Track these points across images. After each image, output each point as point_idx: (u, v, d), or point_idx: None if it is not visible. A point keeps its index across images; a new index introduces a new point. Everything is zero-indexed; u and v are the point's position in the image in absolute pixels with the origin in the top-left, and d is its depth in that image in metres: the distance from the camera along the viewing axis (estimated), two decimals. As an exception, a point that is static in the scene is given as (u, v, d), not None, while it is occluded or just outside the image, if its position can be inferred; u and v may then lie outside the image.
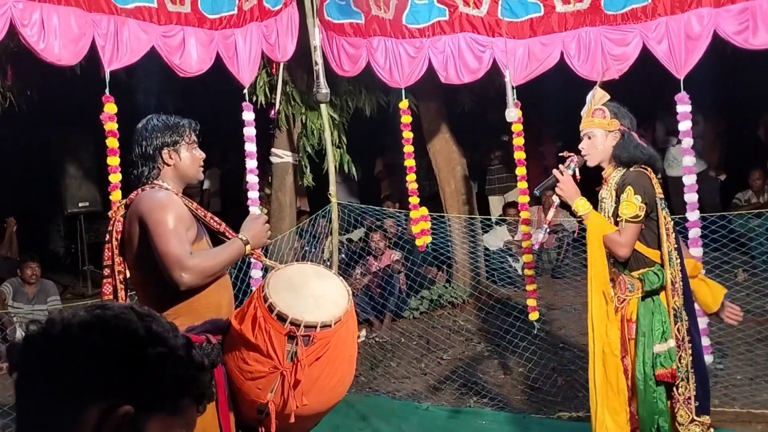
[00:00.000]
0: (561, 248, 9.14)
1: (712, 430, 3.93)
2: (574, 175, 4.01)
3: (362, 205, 8.30)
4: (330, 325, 3.03)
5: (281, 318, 3.00)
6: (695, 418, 3.86)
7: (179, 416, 1.25)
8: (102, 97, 5.23)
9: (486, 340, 7.57)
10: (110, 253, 3.34)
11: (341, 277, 3.34)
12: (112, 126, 5.25)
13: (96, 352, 1.18)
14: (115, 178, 5.27)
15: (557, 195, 3.99)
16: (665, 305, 3.88)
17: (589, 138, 3.98)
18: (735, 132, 9.75)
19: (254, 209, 5.97)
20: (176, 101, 9.14)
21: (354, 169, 8.23)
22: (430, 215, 6.95)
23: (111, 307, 1.25)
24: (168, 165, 3.35)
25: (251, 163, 6.27)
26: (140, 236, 3.18)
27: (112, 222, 3.35)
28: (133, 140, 3.40)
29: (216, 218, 3.47)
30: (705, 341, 5.52)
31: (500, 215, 9.66)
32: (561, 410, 6.10)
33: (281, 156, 8.15)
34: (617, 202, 3.86)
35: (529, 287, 6.30)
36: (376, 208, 8.63)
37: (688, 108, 5.54)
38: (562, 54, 5.89)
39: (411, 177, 6.64)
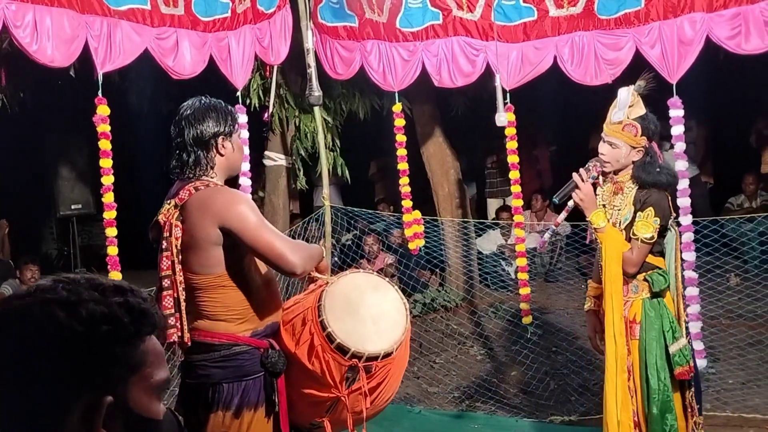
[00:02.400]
0: (554, 252, 9.14)
1: (703, 430, 3.98)
2: (593, 183, 3.97)
3: (356, 209, 8.30)
4: (391, 353, 2.93)
5: (342, 350, 2.86)
6: (697, 419, 3.94)
7: (148, 361, 1.23)
8: (95, 99, 5.21)
9: (479, 344, 7.57)
10: (170, 262, 2.99)
11: (394, 285, 3.18)
12: (104, 128, 5.23)
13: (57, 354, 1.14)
14: (108, 180, 5.25)
15: (575, 201, 3.92)
16: (670, 307, 3.91)
17: (612, 147, 3.89)
18: (725, 137, 9.77)
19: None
20: (169, 104, 9.13)
21: (347, 172, 8.23)
22: (423, 218, 6.96)
23: (33, 303, 1.18)
24: (222, 155, 3.10)
25: (244, 166, 6.26)
26: (213, 239, 2.95)
27: (167, 227, 3.00)
28: (176, 124, 3.10)
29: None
30: (698, 345, 5.53)
31: (494, 219, 9.66)
32: (553, 414, 6.11)
33: (274, 159, 8.14)
34: (634, 216, 3.84)
35: (522, 291, 6.30)
36: (370, 211, 8.63)
37: (681, 113, 5.55)
38: (555, 58, 5.90)
39: (404, 180, 6.64)
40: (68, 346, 1.15)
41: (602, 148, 3.93)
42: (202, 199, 2.99)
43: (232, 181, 4.54)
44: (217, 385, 3.04)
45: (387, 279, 3.21)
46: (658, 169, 3.85)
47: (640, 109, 3.88)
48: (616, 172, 3.95)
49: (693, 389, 3.94)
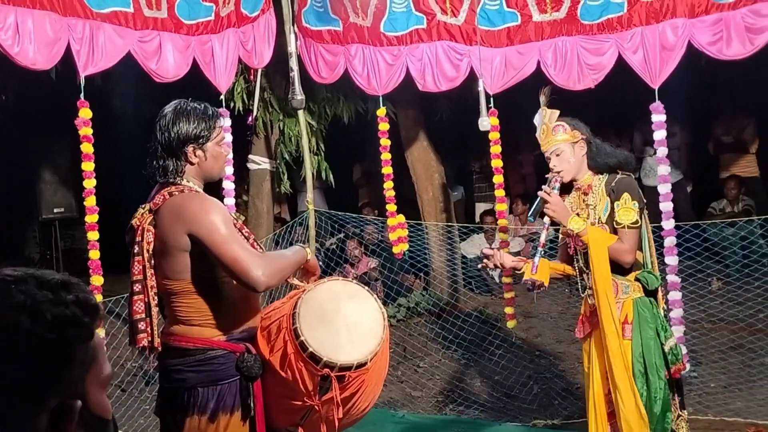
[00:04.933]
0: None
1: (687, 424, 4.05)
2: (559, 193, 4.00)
3: (340, 213, 8.29)
4: (365, 364, 2.86)
5: (314, 359, 2.80)
6: (680, 413, 3.99)
7: (98, 356, 1.22)
8: (77, 102, 5.18)
9: (463, 348, 7.57)
10: (141, 267, 2.96)
11: (373, 294, 3.10)
12: (86, 131, 5.20)
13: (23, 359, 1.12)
14: (90, 183, 5.23)
15: (548, 216, 3.94)
16: (658, 306, 3.96)
17: (558, 155, 3.98)
18: (704, 143, 9.85)
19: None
20: (153, 107, 9.09)
21: (331, 176, 8.22)
22: (408, 223, 6.96)
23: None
24: (191, 163, 3.02)
25: (228, 170, 6.24)
26: (182, 246, 2.91)
27: (139, 232, 2.97)
28: (154, 127, 3.02)
29: (245, 228, 3.19)
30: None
31: (478, 223, 9.68)
32: (537, 418, 6.12)
33: (258, 163, 8.13)
34: (612, 207, 3.88)
35: (507, 295, 6.31)
36: (353, 215, 8.63)
37: (663, 117, 5.58)
38: (538, 63, 5.92)
39: (388, 184, 6.64)
40: (35, 352, 1.12)
41: (551, 163, 4.01)
42: (175, 205, 2.95)
43: (216, 185, 4.50)
44: (192, 390, 3.01)
45: (366, 288, 3.12)
46: (605, 151, 3.96)
47: (555, 113, 4.04)
48: (575, 179, 4.01)
49: (679, 387, 4.01)
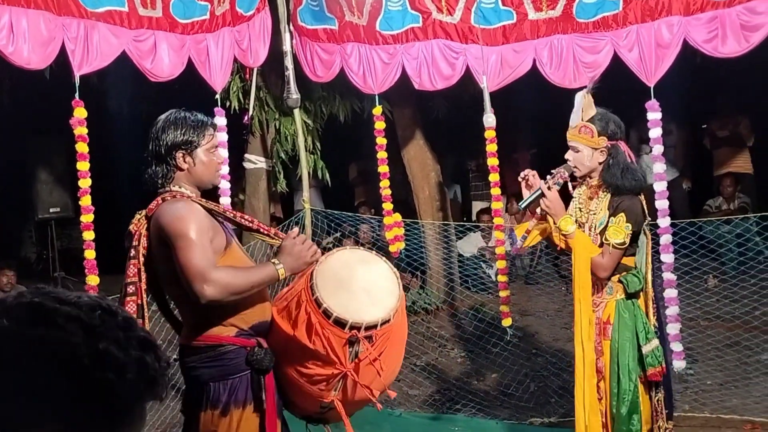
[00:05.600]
0: (534, 254, 9.18)
1: None
2: (560, 190, 3.98)
3: (336, 211, 8.29)
4: (389, 320, 2.96)
5: (340, 323, 2.88)
6: (666, 425, 3.97)
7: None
8: (72, 102, 5.17)
9: (459, 347, 7.58)
10: (136, 270, 3.08)
11: (382, 257, 3.21)
12: (81, 131, 5.18)
13: (35, 384, 1.08)
14: (85, 183, 5.21)
15: (542, 209, 3.95)
16: (642, 308, 3.95)
17: (575, 151, 3.93)
18: (701, 140, 9.87)
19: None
20: (148, 106, 9.08)
21: (328, 175, 8.21)
22: (404, 221, 6.96)
23: (52, 320, 1.11)
24: (181, 169, 3.11)
25: (224, 169, 6.23)
26: (166, 253, 3.00)
27: (137, 236, 3.09)
28: (148, 136, 3.15)
29: (247, 216, 3.32)
30: (677, 347, 5.56)
31: (474, 221, 9.69)
32: (533, 416, 6.12)
33: (254, 162, 8.12)
34: (608, 221, 3.86)
35: (503, 293, 6.30)
36: (350, 214, 8.62)
37: (659, 115, 5.58)
38: (534, 61, 5.92)
39: (385, 183, 6.64)
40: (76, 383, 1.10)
41: (568, 154, 3.98)
42: (161, 211, 3.03)
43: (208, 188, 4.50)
44: (205, 385, 3.11)
45: (373, 251, 3.25)
46: (622, 172, 3.86)
47: (592, 110, 3.93)
48: (589, 176, 3.97)
49: (663, 393, 3.98)
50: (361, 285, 3.05)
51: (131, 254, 3.08)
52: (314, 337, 2.92)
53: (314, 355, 2.95)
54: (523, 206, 4.17)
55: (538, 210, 3.98)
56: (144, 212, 3.12)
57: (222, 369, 3.08)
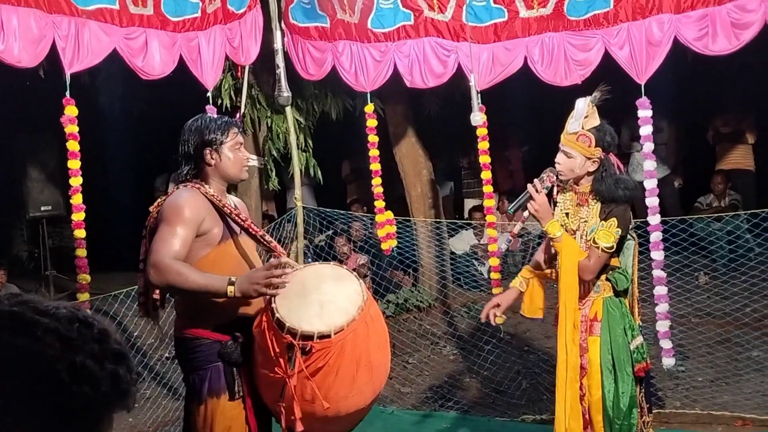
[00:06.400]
0: (527, 252, 9.19)
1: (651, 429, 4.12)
2: (548, 194, 3.98)
3: (328, 209, 8.29)
4: (329, 336, 2.95)
5: (280, 325, 2.96)
6: (647, 418, 4.06)
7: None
8: (63, 100, 5.16)
9: (451, 344, 7.59)
10: (144, 249, 3.36)
11: (361, 281, 3.22)
12: (72, 129, 5.18)
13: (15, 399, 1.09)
14: (76, 181, 5.21)
15: (530, 212, 3.93)
16: (627, 307, 4.00)
17: (567, 156, 3.92)
18: (695, 137, 9.88)
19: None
20: (140, 104, 9.08)
21: (320, 172, 8.21)
22: (396, 219, 6.96)
23: (32, 332, 1.12)
24: (209, 165, 3.37)
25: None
26: None
27: (150, 218, 3.40)
28: (178, 142, 3.44)
29: (255, 225, 3.48)
30: (667, 344, 5.59)
31: (467, 219, 9.69)
32: (525, 413, 6.14)
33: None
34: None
35: (495, 291, 6.32)
36: (342, 211, 8.62)
37: (649, 113, 5.59)
38: (525, 59, 5.93)
39: (377, 181, 6.64)
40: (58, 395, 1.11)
41: (558, 157, 3.96)
42: (169, 195, 3.34)
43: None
44: (186, 377, 3.37)
45: (355, 274, 3.24)
46: (615, 183, 3.87)
47: (595, 120, 3.90)
48: (576, 182, 3.98)
49: (644, 388, 4.05)
50: (319, 297, 3.09)
51: (143, 233, 3.40)
52: (262, 334, 3.05)
53: (263, 353, 3.05)
54: (512, 210, 4.20)
55: (525, 213, 3.98)
56: (164, 198, 3.41)
57: (196, 361, 3.29)
